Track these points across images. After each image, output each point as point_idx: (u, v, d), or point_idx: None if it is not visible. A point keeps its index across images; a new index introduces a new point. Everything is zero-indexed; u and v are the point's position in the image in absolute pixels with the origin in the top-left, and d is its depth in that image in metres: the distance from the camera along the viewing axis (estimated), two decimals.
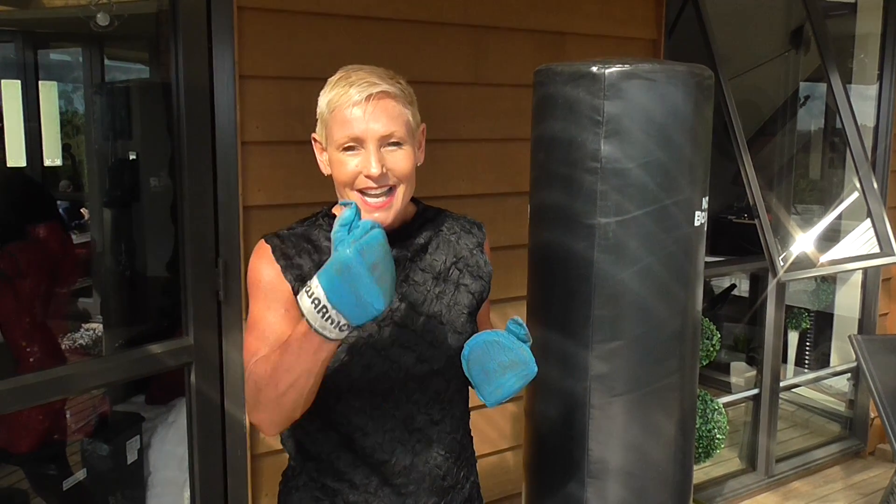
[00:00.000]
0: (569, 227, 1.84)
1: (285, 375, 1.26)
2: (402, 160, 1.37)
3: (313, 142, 1.46)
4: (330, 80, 1.41)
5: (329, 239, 1.41)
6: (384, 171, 1.35)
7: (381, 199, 1.37)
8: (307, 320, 1.18)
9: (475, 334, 1.41)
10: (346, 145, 1.35)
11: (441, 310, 1.46)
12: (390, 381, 1.40)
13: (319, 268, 1.37)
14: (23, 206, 3.01)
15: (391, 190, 1.38)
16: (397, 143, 1.37)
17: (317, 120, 1.43)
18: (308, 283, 1.19)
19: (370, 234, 1.16)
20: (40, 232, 2.89)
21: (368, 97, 1.33)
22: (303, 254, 1.41)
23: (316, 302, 1.16)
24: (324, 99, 1.39)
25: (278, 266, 1.39)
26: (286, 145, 2.38)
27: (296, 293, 1.37)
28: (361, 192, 1.37)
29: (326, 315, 1.17)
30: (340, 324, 1.17)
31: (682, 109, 1.80)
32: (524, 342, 1.36)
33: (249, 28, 2.30)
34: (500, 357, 1.35)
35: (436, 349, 1.43)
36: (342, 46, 2.46)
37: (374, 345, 1.39)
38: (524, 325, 1.37)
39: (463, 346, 1.44)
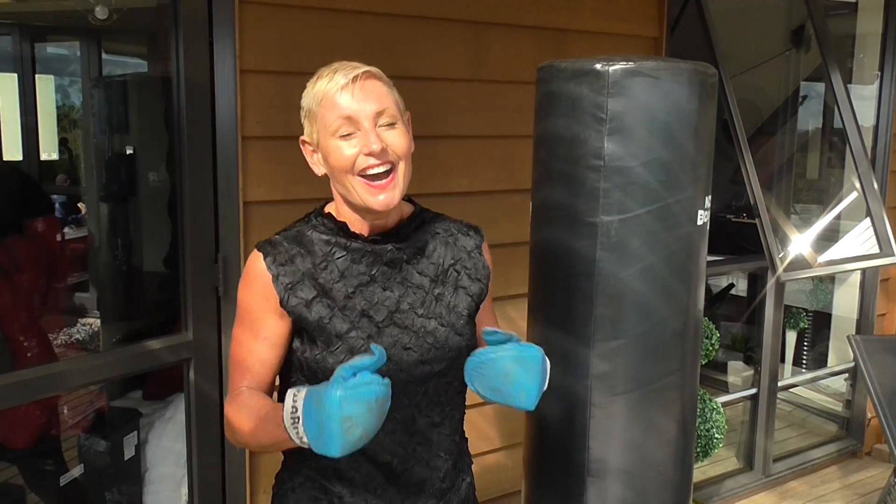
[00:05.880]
0: (571, 225, 1.84)
1: (252, 439, 1.36)
2: (398, 138, 1.36)
3: (302, 145, 1.44)
4: (311, 80, 1.40)
5: (322, 240, 1.42)
6: (384, 146, 1.34)
7: (384, 181, 1.35)
8: (283, 416, 1.24)
9: (467, 362, 1.37)
10: (340, 132, 1.34)
11: (441, 311, 1.45)
12: (392, 383, 1.38)
13: (313, 270, 1.39)
14: (19, 200, 2.99)
15: (392, 169, 1.36)
16: (391, 123, 1.36)
17: (303, 123, 1.42)
18: (301, 388, 1.24)
19: (364, 388, 1.17)
20: (38, 226, 2.88)
21: (355, 78, 1.34)
22: (296, 258, 1.40)
23: (294, 410, 1.22)
24: (308, 95, 1.39)
25: (268, 276, 1.38)
26: (287, 140, 2.36)
27: (283, 303, 1.37)
28: (363, 175, 1.35)
29: (295, 425, 1.22)
30: (302, 439, 1.22)
31: (686, 107, 1.79)
32: (505, 341, 1.34)
33: (251, 22, 2.29)
34: (496, 371, 1.32)
35: (437, 350, 1.42)
36: (343, 41, 2.45)
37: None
38: (495, 330, 1.35)
39: (464, 349, 1.44)
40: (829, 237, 3.72)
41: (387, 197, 1.35)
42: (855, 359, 3.38)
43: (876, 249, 3.58)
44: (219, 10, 2.22)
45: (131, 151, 3.83)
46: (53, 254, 2.95)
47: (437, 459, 1.46)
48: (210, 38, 2.22)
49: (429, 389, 1.43)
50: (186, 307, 2.29)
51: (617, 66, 1.75)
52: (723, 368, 4.86)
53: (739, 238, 4.46)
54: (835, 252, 3.55)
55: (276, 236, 1.43)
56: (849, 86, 3.91)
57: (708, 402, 3.38)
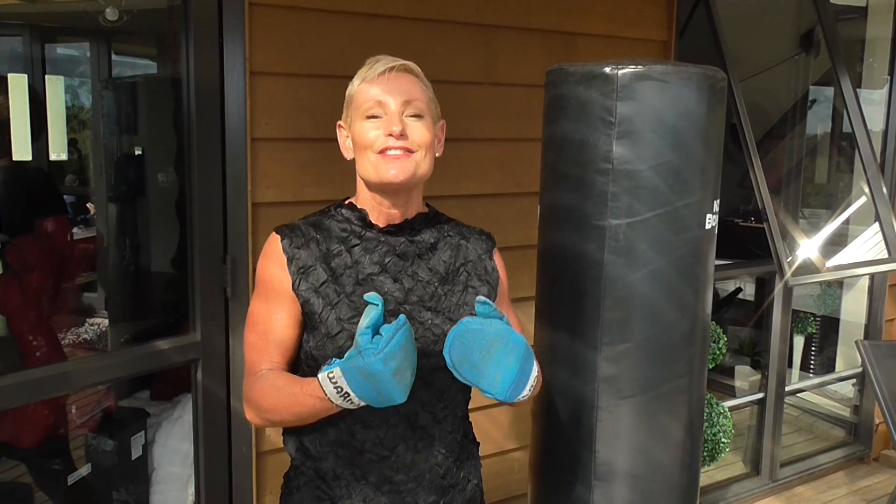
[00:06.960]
0: (579, 228, 1.84)
1: (289, 417, 1.39)
2: (421, 129, 1.43)
3: (338, 129, 1.52)
4: None
5: (339, 228, 1.46)
6: (405, 131, 1.40)
7: (399, 152, 1.41)
8: (328, 397, 1.28)
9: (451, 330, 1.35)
10: (369, 113, 1.42)
11: (449, 307, 1.47)
12: None
13: (326, 255, 1.42)
14: (30, 199, 3.00)
15: (410, 152, 1.42)
16: (418, 115, 1.43)
17: (342, 110, 1.51)
18: (332, 370, 1.27)
19: (394, 340, 1.22)
20: (48, 226, 2.89)
21: (392, 68, 1.43)
22: (311, 242, 1.44)
23: (339, 389, 1.26)
24: (352, 82, 1.48)
25: (283, 258, 1.43)
26: (295, 142, 2.38)
27: (295, 286, 1.41)
28: (381, 153, 1.41)
29: (348, 399, 1.27)
30: (359, 405, 1.29)
31: (695, 111, 1.79)
32: (497, 317, 1.33)
33: (260, 24, 2.30)
34: (477, 342, 1.31)
35: (442, 345, 1.43)
36: (352, 44, 2.46)
37: None
38: (488, 301, 1.34)
39: None
40: (838, 242, 3.71)
41: (399, 170, 1.40)
42: (863, 364, 3.37)
43: (885, 254, 3.57)
44: (229, 12, 2.23)
45: (140, 152, 3.84)
46: (63, 254, 2.96)
47: (438, 456, 1.47)
48: (220, 40, 2.23)
49: (432, 384, 1.44)
50: (194, 308, 2.30)
51: (626, 70, 1.75)
52: (730, 373, 4.85)
53: (747, 242, 4.45)
54: (843, 257, 3.54)
55: (297, 221, 1.49)
56: (858, 90, 3.90)
57: (715, 406, 3.38)
